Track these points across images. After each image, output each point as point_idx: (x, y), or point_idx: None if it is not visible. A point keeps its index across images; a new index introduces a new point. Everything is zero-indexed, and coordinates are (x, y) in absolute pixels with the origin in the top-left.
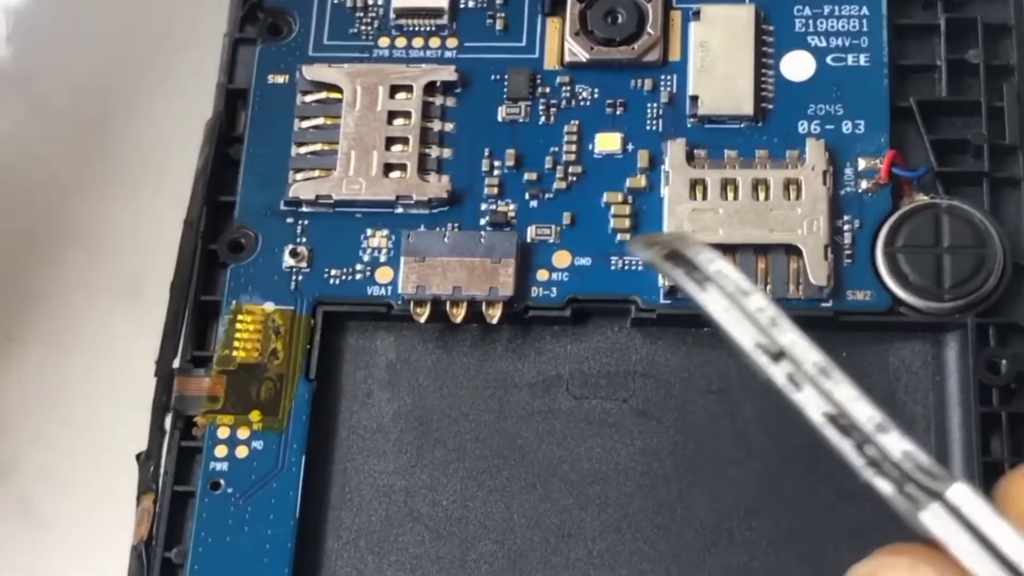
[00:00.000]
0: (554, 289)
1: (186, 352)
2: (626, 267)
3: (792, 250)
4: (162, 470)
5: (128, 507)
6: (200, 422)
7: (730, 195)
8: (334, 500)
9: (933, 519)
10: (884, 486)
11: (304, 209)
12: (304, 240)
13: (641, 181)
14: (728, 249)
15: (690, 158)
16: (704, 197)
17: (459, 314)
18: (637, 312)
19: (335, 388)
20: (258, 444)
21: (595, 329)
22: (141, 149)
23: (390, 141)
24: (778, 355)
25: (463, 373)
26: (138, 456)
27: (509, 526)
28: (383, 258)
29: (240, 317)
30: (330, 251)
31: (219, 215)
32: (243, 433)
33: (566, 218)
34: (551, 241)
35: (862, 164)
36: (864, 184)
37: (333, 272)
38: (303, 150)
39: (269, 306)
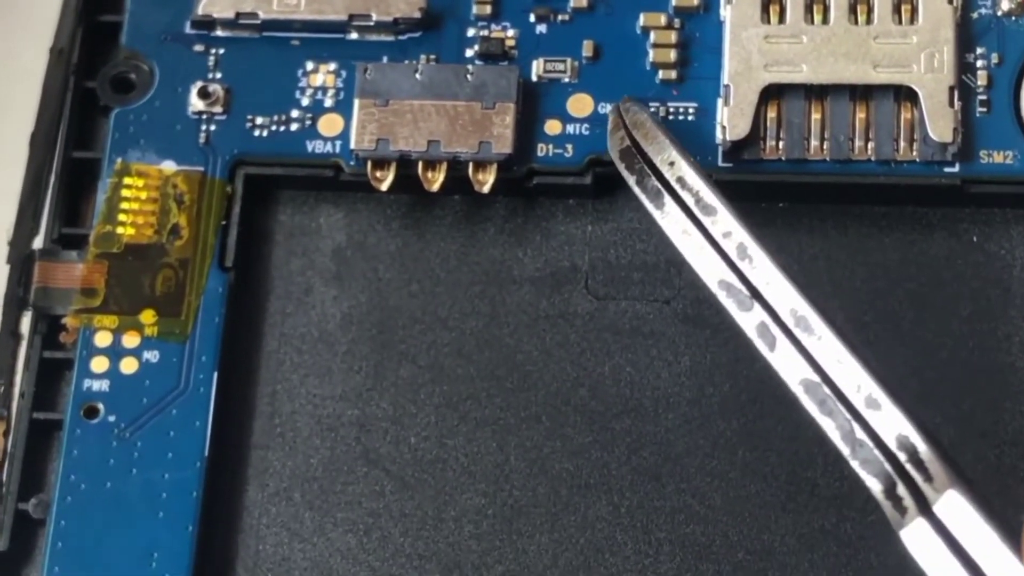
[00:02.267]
0: (569, 147)
1: (52, 229)
2: (670, 115)
3: (905, 94)
4: (16, 391)
5: None
6: (71, 325)
7: (817, 17)
8: (258, 435)
9: (915, 539)
10: (871, 482)
11: (219, 33)
12: (218, 76)
13: None
14: (816, 92)
15: None
16: (781, 20)
17: (436, 180)
18: None
19: (261, 282)
20: (152, 356)
21: (626, 204)
22: None
23: None
24: (748, 298)
25: (440, 263)
26: None
27: (504, 472)
28: (329, 102)
29: (127, 181)
30: (255, 92)
31: (98, 40)
32: (131, 341)
33: (587, 48)
34: (565, 80)
35: None
36: (1006, 4)
37: (259, 120)
38: None
39: (168, 166)
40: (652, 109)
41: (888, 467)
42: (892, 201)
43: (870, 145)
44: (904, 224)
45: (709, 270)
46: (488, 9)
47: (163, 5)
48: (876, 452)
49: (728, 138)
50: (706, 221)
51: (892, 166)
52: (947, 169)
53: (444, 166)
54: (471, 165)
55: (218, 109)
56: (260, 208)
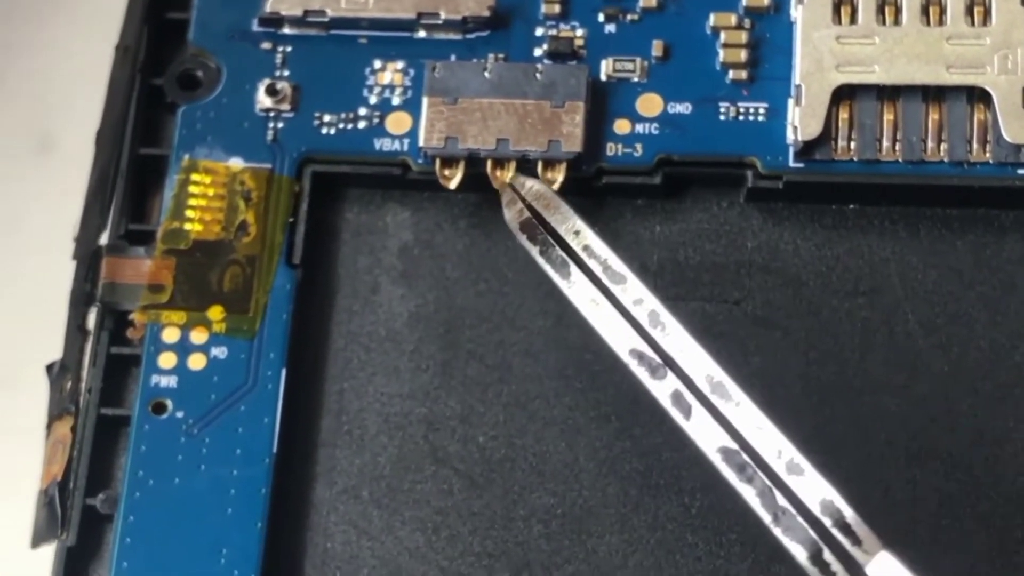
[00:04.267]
0: (639, 146)
1: (118, 225)
2: (740, 115)
3: (978, 95)
4: (83, 386)
5: (36, 437)
6: (138, 321)
7: (889, 18)
8: (326, 432)
9: None
10: (796, 549)
11: (287, 31)
12: (286, 74)
13: None
14: (888, 93)
15: None
16: (853, 20)
17: (505, 178)
18: (756, 180)
19: (328, 279)
20: (219, 352)
21: (695, 204)
22: None
23: None
24: (661, 366)
25: (507, 262)
26: (49, 367)
27: (573, 472)
28: (397, 100)
29: (195, 178)
30: (323, 89)
31: (165, 38)
32: (199, 337)
33: (656, 48)
34: (635, 80)
35: None
36: None
37: (327, 119)
38: None
39: (236, 163)
40: (723, 108)
41: (812, 533)
42: (965, 203)
43: (943, 146)
44: (977, 226)
45: (619, 339)
46: (557, 8)
47: (230, 3)
48: (799, 519)
49: (800, 138)
50: (615, 289)
51: (965, 168)
52: (1021, 171)
53: (513, 165)
54: (540, 164)
55: (286, 107)
56: (327, 206)
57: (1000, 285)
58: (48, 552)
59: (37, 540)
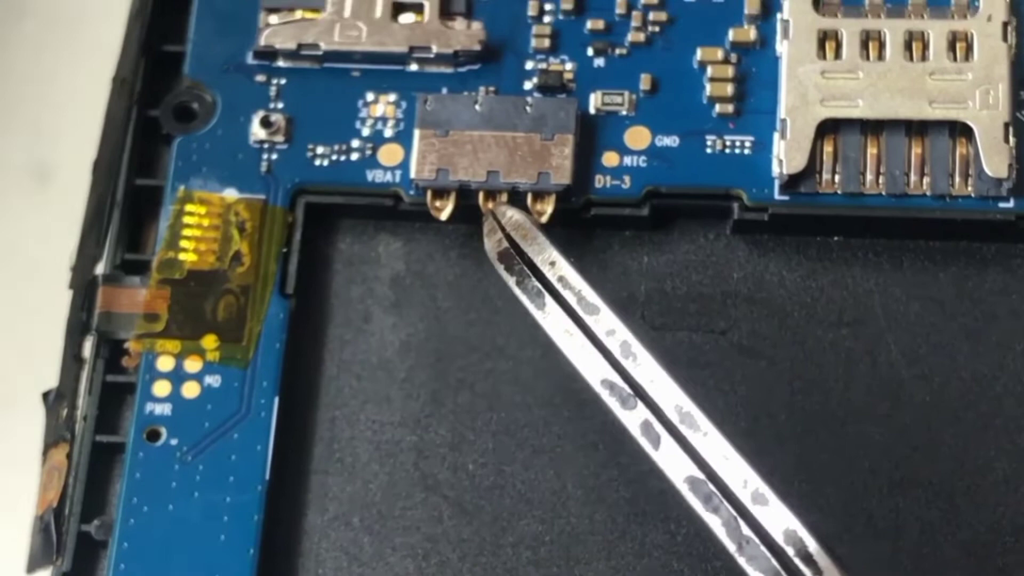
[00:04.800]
0: (627, 179)
1: (114, 255)
2: (727, 149)
3: (960, 130)
4: (78, 414)
5: (31, 464)
6: (133, 349)
7: (873, 54)
8: (318, 460)
9: None
10: None
11: (281, 63)
12: (280, 106)
13: (750, 33)
14: (872, 127)
15: (818, 3)
16: (837, 56)
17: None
18: (742, 212)
19: (321, 308)
20: (213, 380)
21: (682, 235)
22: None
23: None
24: (631, 396)
25: (498, 292)
26: (45, 395)
27: (561, 500)
28: (389, 132)
29: (190, 208)
30: (316, 121)
31: (162, 71)
32: (193, 366)
33: (644, 82)
34: (623, 113)
35: None
36: None
37: (320, 150)
38: None
39: (230, 194)
40: (709, 141)
41: (775, 563)
42: (947, 236)
43: (925, 180)
44: (959, 259)
45: (591, 369)
46: (547, 42)
47: (226, 36)
48: (762, 548)
49: (785, 171)
50: (589, 320)
51: (947, 201)
52: (1002, 204)
53: (504, 196)
54: (530, 196)
55: (280, 138)
56: (320, 236)
57: (982, 316)
58: None
59: (33, 566)
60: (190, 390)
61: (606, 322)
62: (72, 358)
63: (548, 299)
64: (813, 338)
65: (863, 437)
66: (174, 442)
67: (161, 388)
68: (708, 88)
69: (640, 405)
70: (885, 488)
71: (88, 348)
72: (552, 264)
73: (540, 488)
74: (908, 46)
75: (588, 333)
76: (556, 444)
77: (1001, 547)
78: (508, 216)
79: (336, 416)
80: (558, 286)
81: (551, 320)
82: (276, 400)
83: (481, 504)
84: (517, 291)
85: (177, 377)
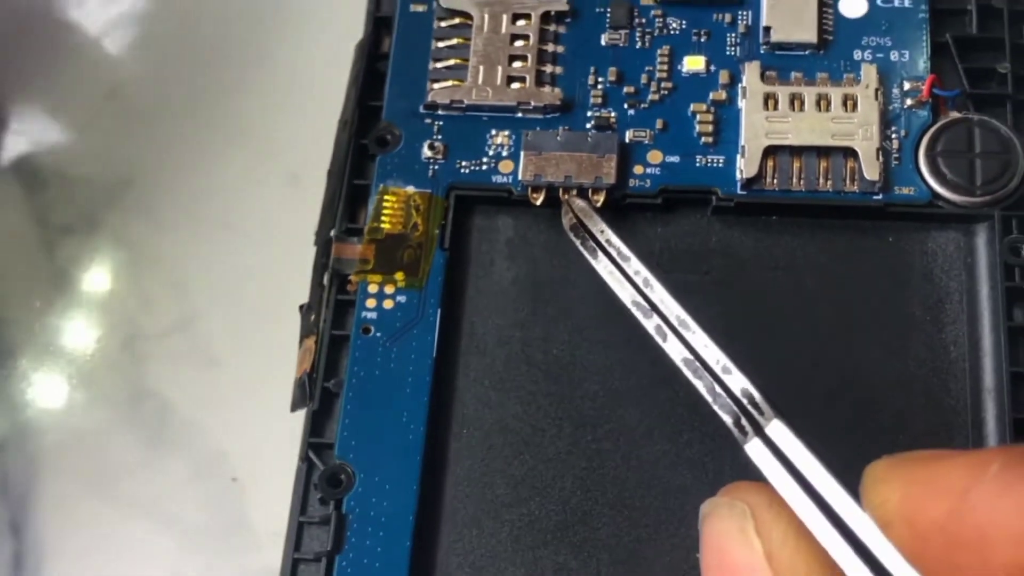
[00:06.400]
0: (648, 181)
1: (341, 225)
2: (709, 164)
3: (849, 152)
4: (322, 318)
5: (291, 351)
6: (354, 280)
7: (797, 107)
8: (464, 346)
9: (754, 450)
10: (725, 417)
11: (440, 112)
12: (440, 137)
13: (722, 95)
14: (796, 151)
15: (763, 78)
16: (776, 108)
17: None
18: (717, 201)
19: (464, 257)
20: (401, 298)
21: (681, 215)
22: (298, 69)
23: (512, 58)
24: (649, 310)
25: (570, 249)
26: (301, 307)
27: (608, 370)
28: (505, 153)
29: (386, 197)
30: (461, 146)
31: (369, 116)
32: (389, 289)
33: (658, 124)
34: (646, 142)
35: (907, 85)
36: (908, 101)
37: (464, 163)
38: (439, 64)
39: (411, 189)
40: (699, 159)
41: (735, 408)
42: (842, 216)
43: (829, 182)
44: (849, 229)
45: (625, 294)
46: (600, 100)
47: (407, 96)
48: (727, 399)
49: (744, 177)
50: (624, 264)
51: (842, 194)
52: (875, 197)
53: (574, 192)
54: (590, 191)
55: (440, 156)
56: (464, 215)
57: (862, 264)
58: (300, 415)
59: (295, 407)
60: (388, 304)
61: (634, 266)
62: (318, 285)
63: (600, 254)
64: (760, 278)
65: (792, 337)
66: (379, 335)
67: (370, 302)
68: (697, 127)
69: (655, 316)
70: (808, 367)
71: (327, 279)
72: (602, 232)
73: (596, 364)
74: (818, 104)
75: (624, 273)
76: (605, 338)
77: (875, 407)
78: (576, 203)
79: (475, 320)
80: (606, 245)
81: (602, 265)
82: (439, 311)
83: (560, 373)
84: (581, 249)
85: (380, 296)
